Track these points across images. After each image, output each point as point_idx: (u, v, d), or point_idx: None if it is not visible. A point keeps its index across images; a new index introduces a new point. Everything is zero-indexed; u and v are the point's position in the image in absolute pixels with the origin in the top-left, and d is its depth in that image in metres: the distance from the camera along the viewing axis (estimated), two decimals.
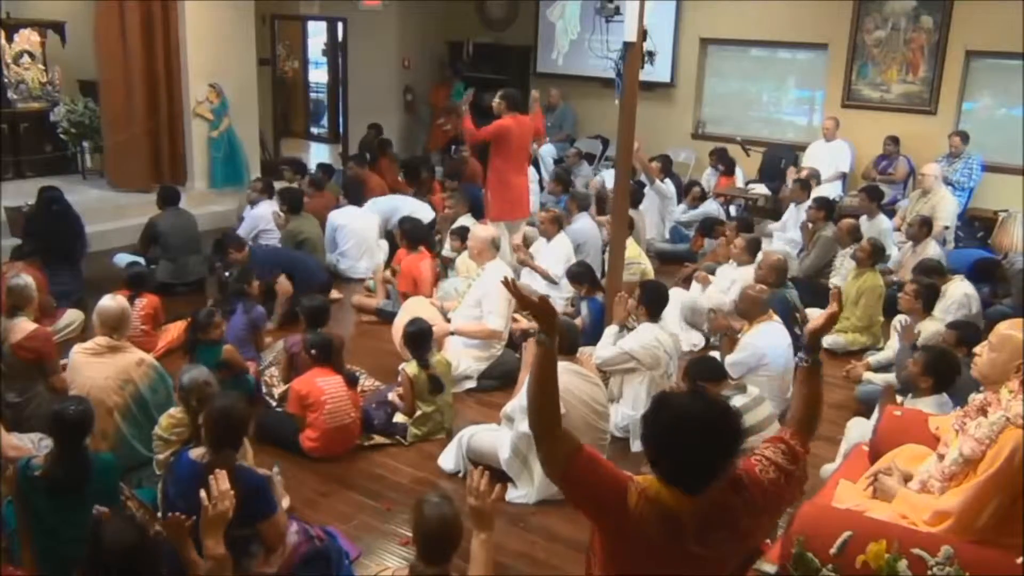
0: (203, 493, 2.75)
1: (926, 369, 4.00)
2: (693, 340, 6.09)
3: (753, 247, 6.40)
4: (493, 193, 6.94)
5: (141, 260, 6.65)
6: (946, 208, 7.84)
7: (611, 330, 4.95)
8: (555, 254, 6.56)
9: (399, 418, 4.69)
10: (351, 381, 4.45)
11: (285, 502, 3.67)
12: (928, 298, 5.17)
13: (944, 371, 3.99)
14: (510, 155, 6.77)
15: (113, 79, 8.45)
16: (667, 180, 8.73)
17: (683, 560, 2.14)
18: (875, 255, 6.32)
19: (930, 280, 5.39)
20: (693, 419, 2.11)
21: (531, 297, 2.37)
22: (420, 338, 4.75)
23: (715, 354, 5.08)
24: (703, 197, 8.78)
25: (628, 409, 4.75)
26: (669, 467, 2.14)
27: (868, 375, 5.34)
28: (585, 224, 7.30)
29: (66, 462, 3.13)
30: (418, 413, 4.67)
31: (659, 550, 2.14)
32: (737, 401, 3.89)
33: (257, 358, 5.22)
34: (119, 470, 3.40)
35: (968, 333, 4.56)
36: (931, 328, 5.02)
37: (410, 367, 4.67)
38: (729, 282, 6.28)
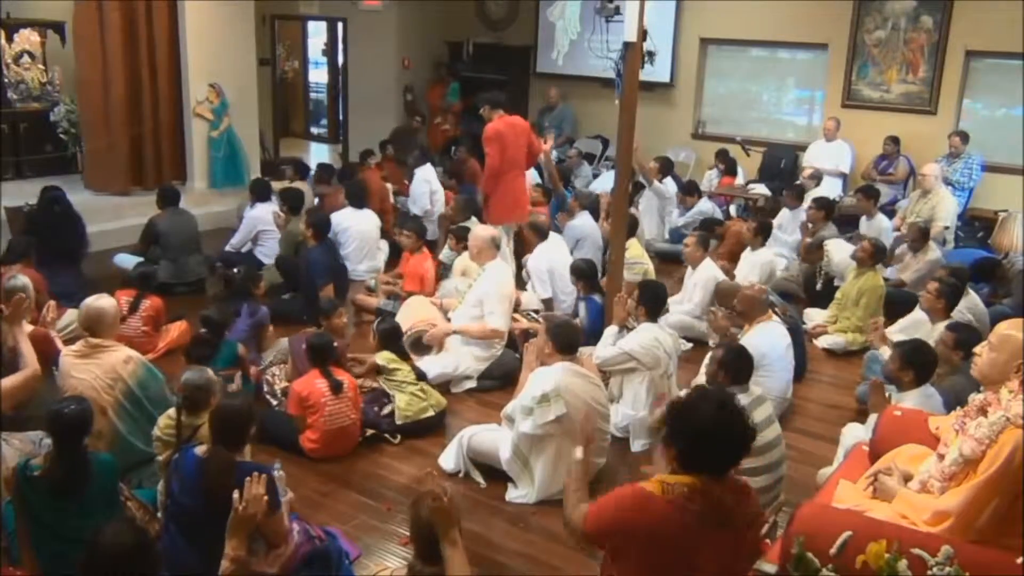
0: (235, 494, 2.77)
1: (904, 363, 4.11)
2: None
3: (705, 245, 6.30)
4: (492, 197, 6.91)
5: (133, 258, 6.63)
6: (946, 208, 7.84)
7: (611, 330, 4.95)
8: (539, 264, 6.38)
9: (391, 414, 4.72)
10: (335, 388, 4.42)
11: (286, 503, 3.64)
12: (951, 298, 5.15)
13: (922, 362, 4.11)
14: (505, 157, 6.73)
15: (91, 80, 8.38)
16: (667, 180, 8.73)
17: (715, 544, 2.39)
18: (876, 255, 6.30)
19: (953, 280, 5.38)
20: (729, 412, 2.45)
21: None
22: (393, 334, 4.90)
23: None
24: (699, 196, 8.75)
25: (628, 409, 4.74)
26: (704, 454, 2.42)
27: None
28: (585, 221, 7.31)
29: (66, 462, 3.12)
30: (405, 399, 4.70)
31: (695, 536, 2.38)
32: (739, 401, 3.88)
33: (259, 359, 5.22)
34: (118, 470, 3.39)
35: (967, 336, 4.56)
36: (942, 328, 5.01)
37: (381, 356, 4.79)
38: (691, 285, 6.25)
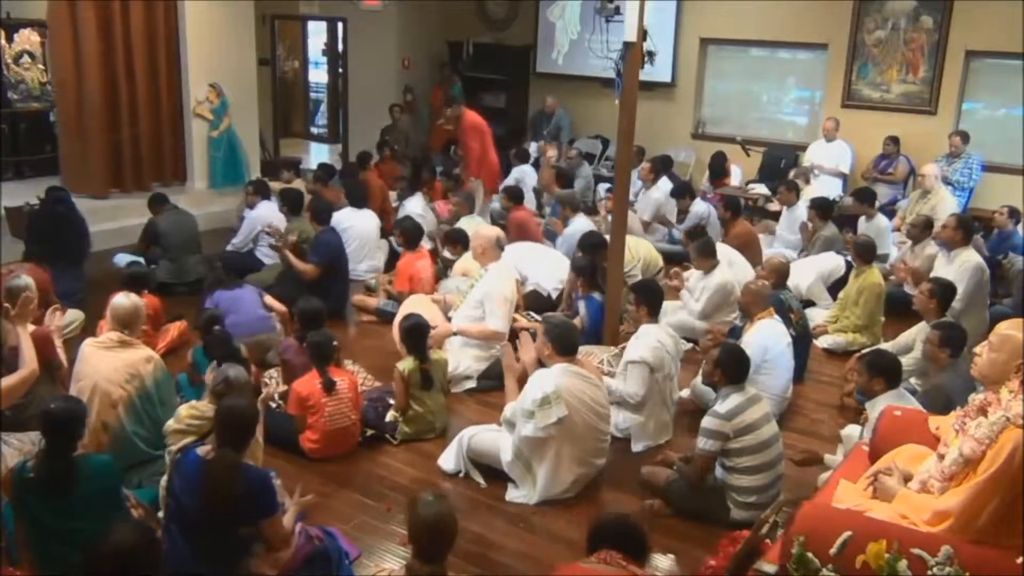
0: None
1: (871, 374, 4.17)
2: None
3: (706, 251, 6.20)
4: (479, 168, 8.49)
5: (141, 260, 6.64)
6: (946, 208, 7.82)
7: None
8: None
9: (389, 417, 4.69)
10: (326, 387, 4.41)
11: (288, 504, 3.61)
12: (944, 298, 5.16)
13: (887, 368, 4.17)
14: (484, 138, 8.49)
15: (66, 80, 8.19)
16: (663, 179, 8.70)
17: None
18: (865, 252, 6.25)
19: (947, 280, 5.39)
20: None
21: None
22: (416, 332, 4.74)
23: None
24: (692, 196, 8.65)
25: (629, 411, 4.73)
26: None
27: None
28: (582, 225, 7.30)
29: (52, 462, 3.10)
30: (409, 412, 4.67)
31: None
32: (732, 400, 3.88)
33: (271, 325, 5.41)
34: (118, 471, 3.37)
35: (952, 333, 4.58)
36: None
37: (404, 364, 4.66)
38: (700, 288, 6.21)
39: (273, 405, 4.81)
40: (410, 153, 10.80)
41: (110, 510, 3.16)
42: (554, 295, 6.58)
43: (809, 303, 6.73)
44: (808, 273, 6.88)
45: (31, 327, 4.25)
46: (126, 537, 2.51)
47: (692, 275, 6.38)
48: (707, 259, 6.17)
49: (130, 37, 8.39)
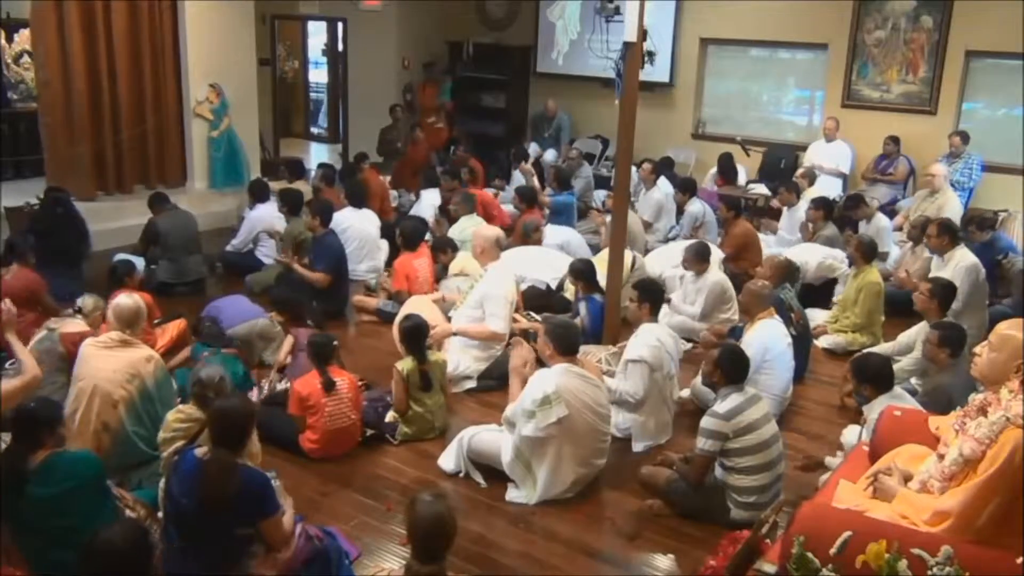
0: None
1: (859, 380, 4.21)
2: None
3: (702, 254, 6.20)
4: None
5: (133, 259, 6.59)
6: (952, 209, 7.86)
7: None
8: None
9: (389, 417, 4.70)
10: (326, 386, 4.40)
11: (289, 507, 3.61)
12: (944, 298, 5.16)
13: (873, 374, 4.19)
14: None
15: (50, 80, 8.04)
16: (662, 180, 8.69)
17: None
18: (868, 251, 6.25)
19: (947, 280, 5.39)
20: None
21: None
22: (415, 333, 4.75)
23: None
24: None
25: (628, 411, 4.72)
26: None
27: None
28: (563, 232, 7.40)
29: (7, 457, 3.10)
30: (409, 412, 4.67)
31: None
32: (732, 401, 3.88)
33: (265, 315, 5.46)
34: (99, 466, 3.31)
35: (951, 333, 4.57)
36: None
37: (403, 364, 4.67)
38: (694, 290, 6.22)
39: (260, 392, 4.84)
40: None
41: (95, 506, 3.16)
42: (553, 284, 6.64)
43: (811, 293, 6.75)
44: (815, 253, 6.94)
45: (82, 327, 4.38)
46: (116, 536, 2.51)
47: (684, 277, 6.38)
48: (701, 263, 6.19)
49: (113, 37, 8.26)
